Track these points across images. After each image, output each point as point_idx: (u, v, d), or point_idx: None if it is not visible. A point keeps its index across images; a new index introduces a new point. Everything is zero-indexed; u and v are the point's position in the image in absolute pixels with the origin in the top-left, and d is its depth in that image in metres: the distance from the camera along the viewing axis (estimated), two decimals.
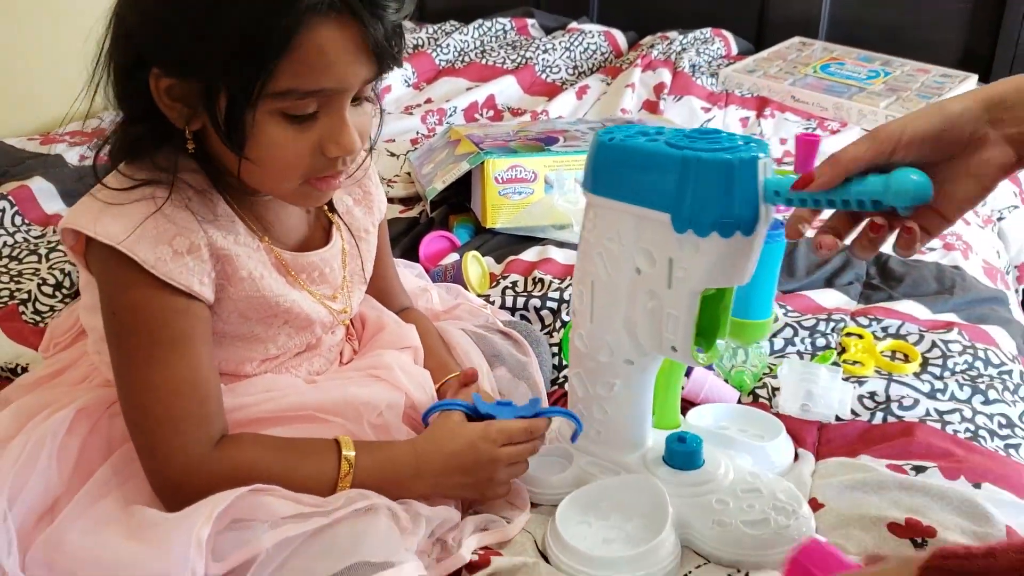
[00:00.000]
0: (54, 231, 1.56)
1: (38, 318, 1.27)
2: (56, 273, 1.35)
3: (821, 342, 1.24)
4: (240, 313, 0.88)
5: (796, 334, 1.25)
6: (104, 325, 0.84)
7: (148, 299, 0.80)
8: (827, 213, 0.81)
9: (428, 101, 2.31)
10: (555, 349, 1.20)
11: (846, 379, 1.14)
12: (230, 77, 0.75)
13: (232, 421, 0.87)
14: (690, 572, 0.86)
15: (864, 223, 0.78)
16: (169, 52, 0.77)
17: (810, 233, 0.82)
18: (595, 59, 2.54)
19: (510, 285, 1.35)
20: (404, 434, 0.92)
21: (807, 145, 1.39)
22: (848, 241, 0.80)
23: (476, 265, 1.38)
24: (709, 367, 1.15)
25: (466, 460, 0.87)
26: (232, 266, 0.85)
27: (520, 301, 1.30)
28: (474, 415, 0.93)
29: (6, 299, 1.31)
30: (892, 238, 0.78)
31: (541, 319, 1.28)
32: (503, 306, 1.30)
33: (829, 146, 2.02)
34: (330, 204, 0.98)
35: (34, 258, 1.44)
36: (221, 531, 0.75)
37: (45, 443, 0.83)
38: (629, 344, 0.90)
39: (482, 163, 1.51)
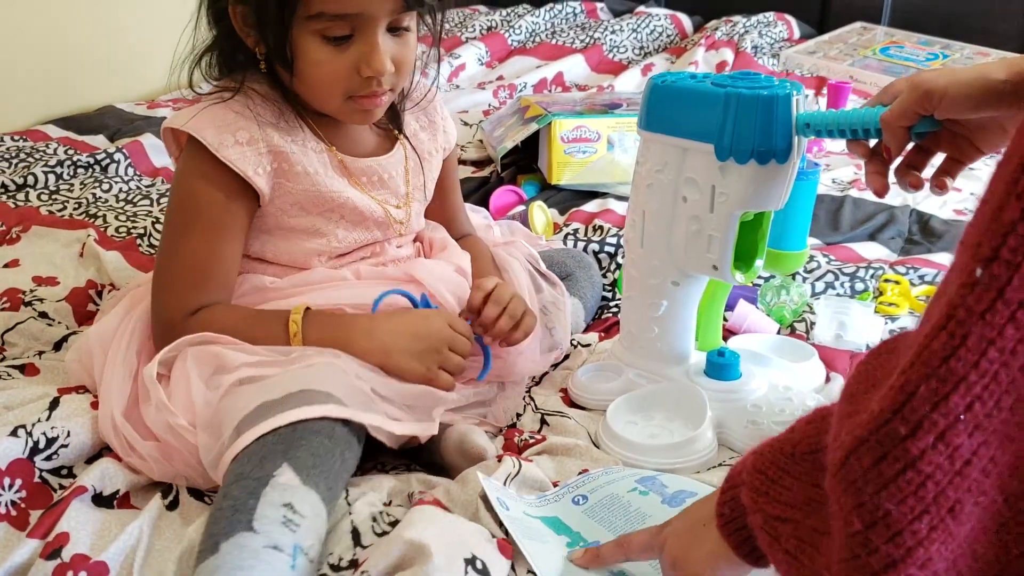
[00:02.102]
0: (162, 180, 1.74)
1: (152, 251, 1.44)
2: None
3: (860, 287, 1.34)
4: (300, 206, 1.00)
5: (837, 279, 1.35)
6: (167, 204, 1.01)
7: (203, 183, 0.95)
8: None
9: (500, 78, 2.45)
10: (608, 286, 1.33)
11: (878, 316, 1.23)
12: (269, 2, 0.90)
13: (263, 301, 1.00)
14: (723, 462, 0.97)
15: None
16: None
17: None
18: (661, 40, 2.65)
19: (572, 232, 1.48)
20: None
21: (837, 90, 1.47)
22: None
23: (541, 214, 1.51)
24: (752, 301, 1.26)
25: (419, 326, 0.95)
26: (288, 162, 0.98)
27: (580, 245, 1.42)
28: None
29: (124, 234, 1.48)
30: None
31: (599, 260, 1.40)
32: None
33: None
34: (399, 126, 1.10)
35: (146, 202, 1.61)
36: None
37: (139, 326, 0.99)
38: (674, 267, 1.01)
39: (549, 123, 1.64)
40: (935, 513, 0.44)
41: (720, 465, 0.96)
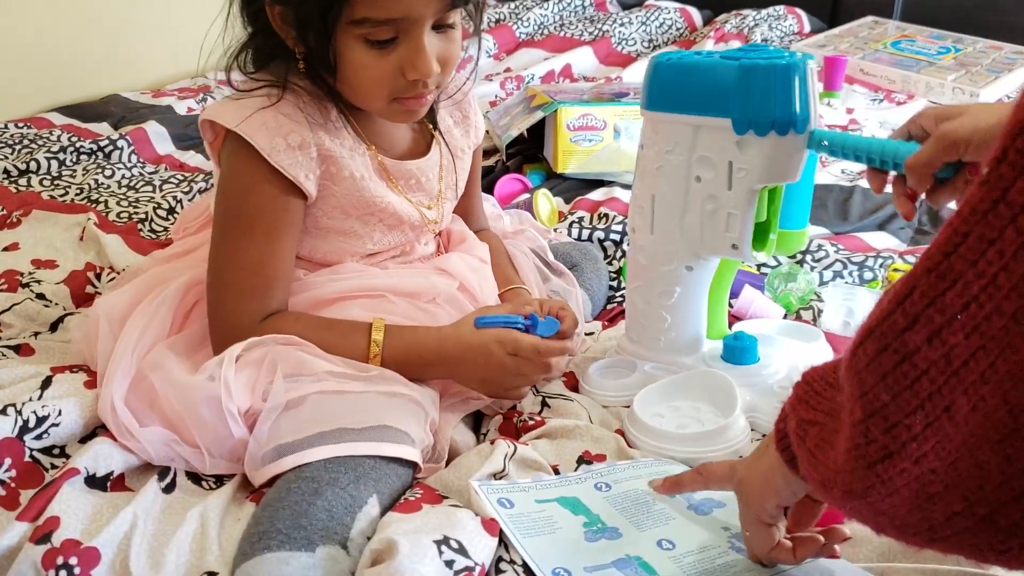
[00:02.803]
0: (165, 168, 1.72)
1: (153, 235, 1.43)
2: (169, 199, 1.51)
3: (868, 276, 1.32)
4: (342, 209, 0.99)
5: (845, 268, 1.33)
6: (215, 203, 0.97)
7: (256, 187, 0.93)
8: None
9: (507, 70, 2.43)
10: (614, 274, 1.31)
11: None
12: (313, 8, 0.87)
13: (306, 299, 0.99)
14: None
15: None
16: None
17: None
18: (670, 33, 2.63)
19: (576, 220, 1.46)
20: (451, 317, 1.01)
21: (834, 64, 1.43)
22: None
23: (546, 201, 1.49)
24: (758, 287, 1.24)
25: (479, 357, 0.94)
26: (336, 167, 0.96)
27: (585, 233, 1.40)
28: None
29: (125, 219, 1.47)
30: None
31: (604, 249, 1.38)
32: (568, 236, 1.40)
33: (892, 116, 2.08)
34: (434, 121, 1.08)
35: (149, 188, 1.60)
36: (273, 380, 0.87)
37: (160, 310, 0.97)
38: (688, 250, 0.99)
39: (555, 111, 1.62)
40: (930, 410, 0.44)
41: None
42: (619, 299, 1.27)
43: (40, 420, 0.86)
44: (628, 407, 0.98)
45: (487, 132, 1.92)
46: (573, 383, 1.07)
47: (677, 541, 0.78)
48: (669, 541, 0.78)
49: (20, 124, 1.89)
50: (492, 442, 0.90)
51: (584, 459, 0.91)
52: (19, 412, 0.85)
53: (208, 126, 0.97)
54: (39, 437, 0.85)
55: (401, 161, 1.04)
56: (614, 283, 1.31)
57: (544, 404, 1.00)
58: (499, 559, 0.75)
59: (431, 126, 1.09)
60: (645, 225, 1.01)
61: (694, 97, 0.93)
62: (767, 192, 0.96)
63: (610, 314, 1.25)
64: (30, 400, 0.87)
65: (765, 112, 0.89)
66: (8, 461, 0.83)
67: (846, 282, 1.31)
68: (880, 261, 1.34)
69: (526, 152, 1.78)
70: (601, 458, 0.91)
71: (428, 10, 0.88)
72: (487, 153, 1.87)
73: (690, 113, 0.93)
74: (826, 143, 0.89)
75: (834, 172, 1.75)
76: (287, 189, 0.94)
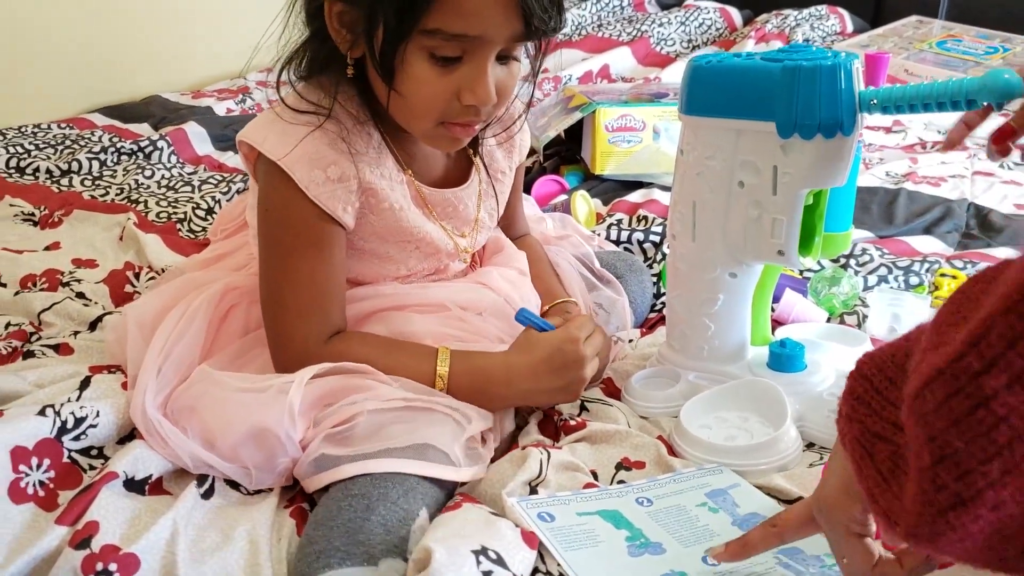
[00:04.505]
0: (204, 168, 1.73)
1: (191, 235, 1.43)
2: (208, 199, 1.52)
3: (914, 280, 1.29)
4: (379, 236, 0.98)
5: (890, 272, 1.30)
6: (257, 220, 0.96)
7: (299, 205, 0.91)
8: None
9: (544, 71, 2.41)
10: (654, 277, 1.29)
11: (934, 310, 1.18)
12: (389, 8, 0.83)
13: (362, 309, 0.98)
14: (812, 464, 0.90)
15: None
16: None
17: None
18: (710, 33, 2.60)
19: (615, 222, 1.44)
20: (495, 330, 1.00)
21: (876, 61, 1.41)
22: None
23: (583, 203, 1.48)
24: (801, 292, 1.21)
25: (555, 363, 0.91)
26: (376, 198, 0.95)
27: (624, 235, 1.38)
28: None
29: (164, 219, 1.47)
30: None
31: (644, 251, 1.36)
32: (607, 239, 1.39)
33: (937, 118, 2.03)
34: (474, 144, 1.05)
35: (188, 188, 1.61)
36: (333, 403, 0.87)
37: (196, 316, 0.95)
38: (731, 257, 0.96)
39: (593, 112, 1.61)
40: (1009, 457, 0.41)
41: (810, 466, 0.90)
42: (659, 307, 1.25)
43: (79, 421, 0.86)
44: (673, 417, 0.96)
45: None
46: (611, 390, 1.05)
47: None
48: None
49: (62, 124, 1.91)
50: (523, 448, 0.88)
51: (623, 465, 0.89)
52: (57, 413, 0.85)
53: (245, 145, 0.95)
54: (77, 438, 0.85)
55: (439, 189, 1.02)
56: (654, 289, 1.29)
57: (583, 407, 0.99)
58: (535, 570, 0.74)
59: (472, 151, 1.06)
60: (686, 232, 0.99)
61: (736, 100, 0.90)
62: (812, 195, 0.93)
63: (649, 322, 1.23)
64: (68, 401, 0.87)
65: (811, 115, 0.86)
66: (47, 462, 0.83)
67: (891, 287, 1.28)
68: (927, 266, 1.31)
69: (563, 153, 1.77)
70: (640, 465, 0.89)
71: (501, 35, 0.84)
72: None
73: (732, 117, 0.91)
74: (875, 101, 0.85)
75: (878, 174, 1.72)
76: (325, 216, 0.92)
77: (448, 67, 0.86)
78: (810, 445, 0.94)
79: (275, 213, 0.93)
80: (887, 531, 0.51)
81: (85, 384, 0.91)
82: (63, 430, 0.85)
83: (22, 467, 0.80)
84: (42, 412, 0.84)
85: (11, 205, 1.50)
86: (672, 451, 0.92)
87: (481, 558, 0.69)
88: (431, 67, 0.86)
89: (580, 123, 1.66)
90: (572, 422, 0.94)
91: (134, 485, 0.83)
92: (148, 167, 1.69)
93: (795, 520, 0.68)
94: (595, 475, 0.88)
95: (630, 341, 1.15)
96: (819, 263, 1.30)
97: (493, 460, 0.89)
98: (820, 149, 0.87)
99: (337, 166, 0.91)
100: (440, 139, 0.93)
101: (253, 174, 0.98)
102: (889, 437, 0.52)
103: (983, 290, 0.48)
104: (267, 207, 0.94)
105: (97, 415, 0.87)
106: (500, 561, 0.69)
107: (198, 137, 1.81)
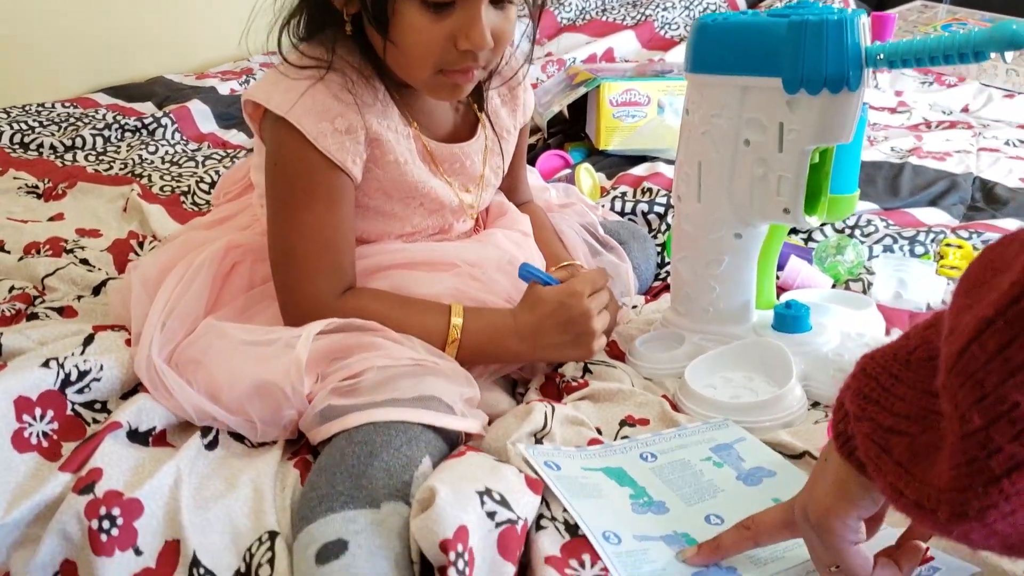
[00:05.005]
0: (208, 145, 1.73)
1: (195, 208, 1.43)
2: (212, 174, 1.52)
3: (920, 250, 1.28)
4: (384, 192, 0.98)
5: (895, 242, 1.30)
6: (265, 176, 0.95)
7: (308, 158, 0.91)
8: None
9: (548, 54, 2.41)
10: (659, 247, 1.29)
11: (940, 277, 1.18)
12: None
13: (371, 264, 0.98)
14: (817, 421, 0.90)
15: None
16: None
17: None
18: None
19: (619, 195, 1.44)
20: (502, 287, 1.00)
21: (883, 20, 1.40)
22: None
23: (588, 176, 1.47)
24: (806, 259, 1.21)
25: (560, 318, 0.91)
26: (382, 150, 0.95)
27: (628, 207, 1.38)
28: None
29: (169, 192, 1.47)
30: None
31: (648, 222, 1.36)
32: (612, 211, 1.38)
33: (943, 99, 2.03)
34: (480, 102, 1.06)
35: (192, 164, 1.61)
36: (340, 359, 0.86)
37: (200, 272, 0.95)
38: (737, 217, 0.96)
39: (597, 87, 1.60)
40: None
41: (815, 423, 0.89)
42: (663, 276, 1.25)
43: (82, 374, 0.85)
44: (678, 378, 0.95)
45: None
46: (615, 353, 1.05)
47: (726, 516, 0.75)
48: (718, 516, 0.75)
49: (66, 104, 1.91)
50: (528, 403, 0.88)
51: (627, 422, 0.89)
52: (61, 365, 0.84)
53: (250, 103, 0.95)
54: (81, 391, 0.85)
55: (446, 144, 1.02)
56: (658, 259, 1.29)
57: (586, 369, 0.98)
58: (540, 516, 0.74)
59: (477, 107, 1.06)
60: (691, 193, 0.98)
61: (742, 57, 0.90)
62: (818, 154, 0.93)
63: (653, 290, 1.23)
64: (72, 355, 0.87)
65: (817, 70, 0.86)
66: (51, 413, 0.83)
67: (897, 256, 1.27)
68: (932, 236, 1.31)
69: (568, 131, 1.76)
70: (644, 422, 0.89)
71: None
72: (529, 132, 1.86)
73: (738, 74, 0.91)
74: (882, 56, 0.84)
75: (883, 150, 1.71)
76: (335, 168, 0.92)
77: (441, 13, 0.86)
78: (815, 404, 0.94)
79: (284, 167, 0.93)
80: (922, 522, 0.48)
81: (89, 340, 0.90)
82: (67, 382, 0.84)
83: (25, 417, 0.80)
84: (45, 364, 0.84)
85: (15, 178, 1.50)
86: (676, 409, 0.92)
87: (485, 498, 0.68)
88: (424, 14, 0.86)
89: (584, 103, 1.66)
90: (574, 383, 0.94)
91: (138, 436, 0.82)
92: (152, 143, 1.69)
93: (770, 524, 0.66)
94: (599, 432, 0.88)
95: (634, 307, 1.15)
96: (823, 232, 1.30)
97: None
98: (826, 104, 0.87)
99: (344, 118, 0.91)
100: (440, 88, 0.93)
101: (259, 133, 0.97)
102: (903, 429, 0.50)
103: (1016, 251, 0.45)
104: (275, 162, 0.94)
105: (101, 368, 0.86)
106: (504, 503, 0.69)
107: (202, 115, 1.81)
